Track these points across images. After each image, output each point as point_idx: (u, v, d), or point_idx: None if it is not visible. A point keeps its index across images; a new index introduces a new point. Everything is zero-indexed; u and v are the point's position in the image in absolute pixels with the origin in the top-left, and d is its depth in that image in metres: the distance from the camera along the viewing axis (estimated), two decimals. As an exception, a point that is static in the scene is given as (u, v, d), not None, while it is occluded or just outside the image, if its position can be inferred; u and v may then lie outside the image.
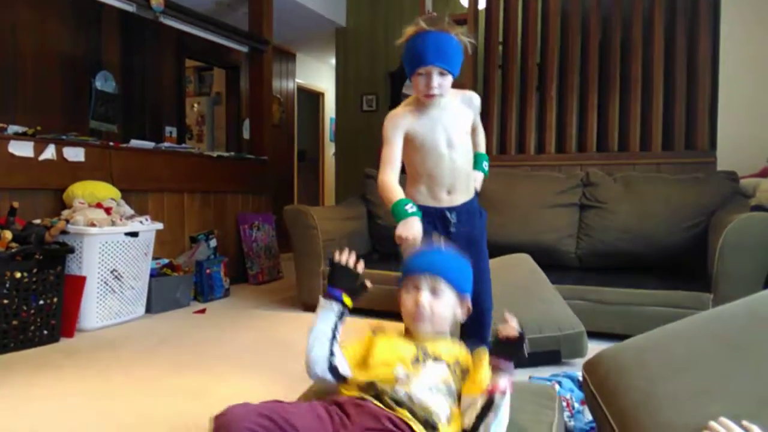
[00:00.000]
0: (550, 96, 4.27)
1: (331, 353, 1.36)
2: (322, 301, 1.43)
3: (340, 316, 1.41)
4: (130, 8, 3.85)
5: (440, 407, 1.24)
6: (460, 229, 1.94)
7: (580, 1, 4.22)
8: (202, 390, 2.22)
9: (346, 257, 1.46)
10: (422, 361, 1.32)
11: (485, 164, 2.19)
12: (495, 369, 1.25)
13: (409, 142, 1.90)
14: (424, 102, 1.88)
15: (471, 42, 1.88)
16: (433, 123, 1.90)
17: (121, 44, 4.96)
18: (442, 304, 1.39)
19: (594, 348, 2.74)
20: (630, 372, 1.31)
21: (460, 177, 1.95)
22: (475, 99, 2.03)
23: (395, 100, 6.00)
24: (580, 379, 2.04)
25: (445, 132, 1.91)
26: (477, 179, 2.11)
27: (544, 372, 2.23)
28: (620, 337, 2.84)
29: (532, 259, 2.88)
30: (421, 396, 1.25)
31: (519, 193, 3.63)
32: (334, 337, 1.38)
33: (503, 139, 4.46)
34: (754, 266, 2.68)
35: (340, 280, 1.45)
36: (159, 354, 2.72)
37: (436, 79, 1.80)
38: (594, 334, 2.94)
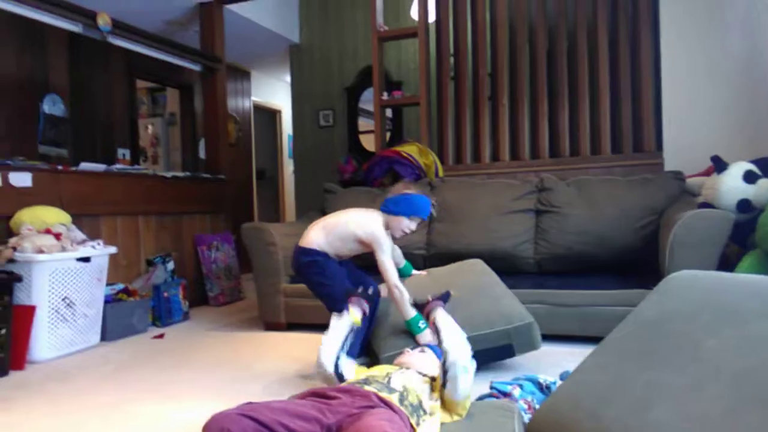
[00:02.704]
0: (502, 105, 4.35)
1: (338, 357, 1.70)
2: (335, 316, 1.85)
3: (351, 330, 1.82)
4: (76, 29, 3.78)
5: (425, 400, 1.47)
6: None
7: (527, 12, 4.32)
8: (161, 416, 2.16)
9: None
10: (404, 370, 1.64)
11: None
12: (429, 310, 2.02)
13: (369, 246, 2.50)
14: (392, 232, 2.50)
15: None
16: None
17: (68, 66, 4.85)
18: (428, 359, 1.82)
19: (554, 351, 2.79)
20: (570, 419, 1.34)
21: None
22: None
23: (352, 114, 6.02)
24: (541, 381, 2.07)
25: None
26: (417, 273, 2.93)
27: (505, 376, 2.24)
28: (579, 339, 2.91)
29: (489, 266, 2.90)
30: (413, 386, 1.47)
31: (476, 201, 3.67)
32: (342, 346, 1.73)
33: (458, 148, 4.51)
34: (703, 261, 2.76)
35: (359, 294, 2.05)
36: (115, 382, 2.64)
37: (414, 227, 2.50)
38: (554, 338, 2.99)
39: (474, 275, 2.76)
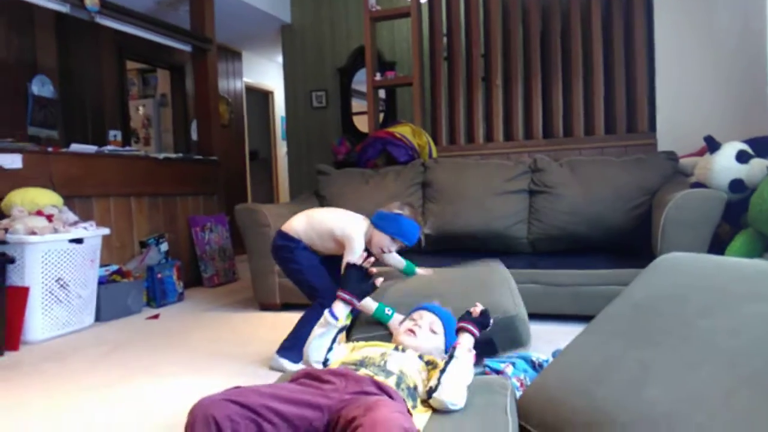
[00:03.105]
0: (496, 85, 4.34)
1: (326, 359, 1.59)
2: (327, 316, 1.63)
3: (341, 331, 1.65)
4: (63, 9, 3.72)
5: (419, 384, 1.44)
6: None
7: (521, -9, 4.29)
8: (157, 396, 2.17)
9: (364, 261, 1.70)
10: (402, 351, 1.58)
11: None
12: (461, 330, 1.61)
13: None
14: (371, 246, 2.35)
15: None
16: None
17: (57, 47, 4.78)
18: (435, 339, 1.72)
19: (547, 329, 2.81)
20: (561, 396, 1.34)
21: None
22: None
23: (345, 95, 5.98)
24: (534, 359, 2.09)
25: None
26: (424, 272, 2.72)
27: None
28: (572, 317, 2.94)
29: (483, 246, 2.87)
30: (410, 369, 1.46)
31: (470, 181, 3.66)
32: (330, 348, 1.61)
33: (452, 129, 4.50)
34: (695, 241, 2.78)
35: (352, 284, 1.68)
36: (110, 362, 2.65)
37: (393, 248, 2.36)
38: (547, 316, 3.01)
39: (485, 272, 2.58)
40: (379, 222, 2.32)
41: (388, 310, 2.10)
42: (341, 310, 1.65)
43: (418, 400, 1.41)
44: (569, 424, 1.26)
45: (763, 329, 1.19)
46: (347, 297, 1.66)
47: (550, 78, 4.22)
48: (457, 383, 1.40)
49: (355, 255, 2.25)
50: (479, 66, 4.42)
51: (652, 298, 1.49)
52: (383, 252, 2.35)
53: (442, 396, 1.37)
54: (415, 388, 1.43)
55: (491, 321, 1.71)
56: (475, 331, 1.62)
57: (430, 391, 1.39)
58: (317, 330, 1.64)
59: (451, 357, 1.48)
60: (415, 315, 1.78)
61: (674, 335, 1.30)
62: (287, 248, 2.48)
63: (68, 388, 2.29)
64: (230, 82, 7.01)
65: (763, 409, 1.02)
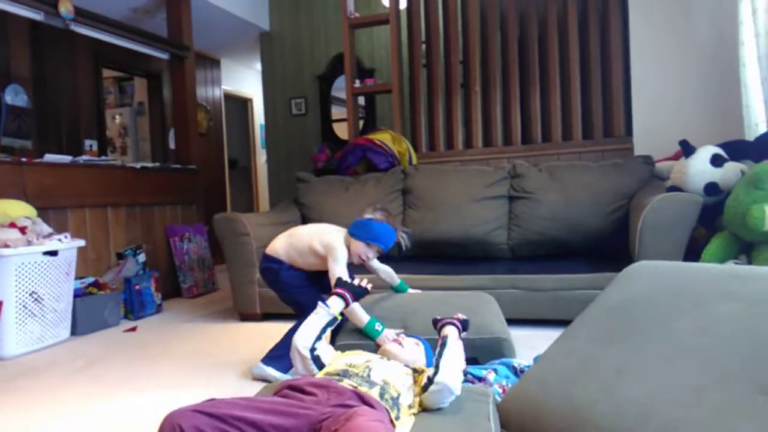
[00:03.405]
0: (474, 92, 4.36)
1: (313, 347, 1.63)
2: (321, 305, 1.73)
3: (332, 323, 1.73)
4: (37, 17, 3.66)
5: (405, 393, 1.43)
6: None
7: (498, -2, 4.33)
8: (134, 410, 2.13)
9: (360, 282, 1.92)
10: (387, 359, 1.62)
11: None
12: (445, 324, 1.73)
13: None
14: (351, 256, 2.34)
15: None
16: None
17: (31, 55, 4.70)
18: (420, 351, 1.79)
19: (527, 335, 2.82)
20: (540, 398, 1.35)
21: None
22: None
23: (325, 102, 5.97)
24: (515, 365, 2.09)
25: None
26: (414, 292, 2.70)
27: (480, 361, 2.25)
28: (552, 322, 2.95)
29: (463, 252, 2.88)
30: (394, 378, 1.46)
31: (449, 188, 3.67)
32: (319, 337, 1.66)
33: (432, 135, 4.51)
34: (672, 244, 2.81)
35: (346, 284, 1.87)
36: (86, 377, 2.59)
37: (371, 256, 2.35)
38: (528, 322, 3.02)
39: (472, 299, 2.49)
40: (354, 230, 2.32)
41: (378, 326, 2.09)
42: (335, 304, 1.75)
43: (402, 410, 1.40)
44: (549, 427, 1.26)
45: (732, 327, 1.23)
46: (342, 292, 1.77)
47: (528, 84, 4.26)
48: (454, 366, 1.45)
49: (338, 264, 2.26)
50: (458, 73, 4.44)
51: (626, 302, 1.53)
52: (363, 260, 2.35)
53: (443, 378, 1.40)
54: (399, 397, 1.42)
55: (469, 324, 1.82)
56: (458, 324, 1.73)
57: (428, 383, 1.42)
58: (308, 319, 1.71)
59: (443, 345, 1.55)
60: (398, 337, 1.88)
61: (647, 336, 1.33)
62: (272, 270, 2.49)
63: (44, 405, 2.24)
64: (208, 89, 6.96)
65: (732, 404, 1.04)
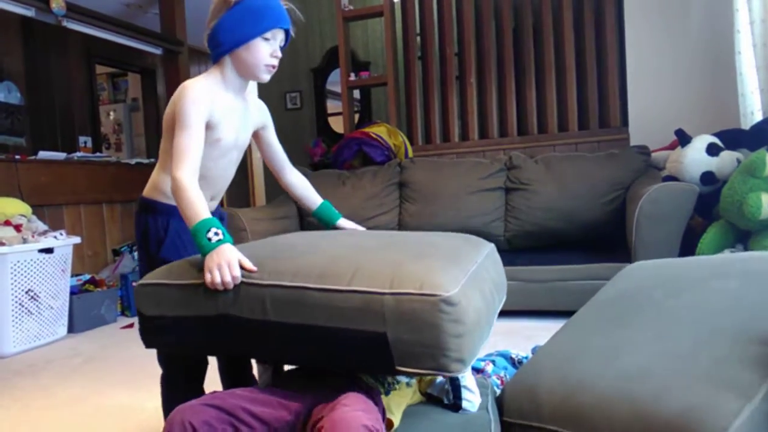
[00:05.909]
0: (470, 84, 4.35)
1: None
2: None
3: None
4: (29, 13, 3.65)
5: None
6: None
7: (493, -11, 4.31)
8: (134, 407, 2.13)
9: None
10: None
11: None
12: None
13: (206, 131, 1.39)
14: (235, 82, 1.48)
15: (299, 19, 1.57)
16: (233, 114, 1.48)
17: (23, 52, 4.66)
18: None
19: (525, 325, 2.83)
20: (537, 382, 1.34)
21: (226, 184, 1.61)
22: (267, 113, 1.68)
23: (320, 96, 5.95)
24: (513, 356, 2.09)
25: (240, 131, 1.52)
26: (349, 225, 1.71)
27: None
28: (550, 313, 2.95)
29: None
30: None
31: (446, 180, 3.67)
32: None
33: (427, 128, 4.50)
34: (669, 234, 2.82)
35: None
36: (84, 374, 2.59)
37: (279, 51, 1.46)
38: (526, 313, 3.03)
39: (451, 240, 1.59)
40: (227, 37, 1.46)
41: (215, 233, 1.22)
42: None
43: (391, 383, 1.35)
44: (546, 404, 1.26)
45: (725, 299, 1.29)
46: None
47: (523, 76, 4.24)
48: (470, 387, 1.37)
49: (185, 127, 1.38)
50: (453, 65, 4.43)
51: (623, 293, 1.57)
52: (274, 66, 1.51)
53: (467, 407, 1.35)
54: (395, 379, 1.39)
55: None
56: None
57: (449, 406, 1.35)
58: None
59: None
60: None
61: (645, 316, 1.38)
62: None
63: (41, 403, 2.23)
64: (203, 85, 6.92)
65: (729, 355, 1.09)
